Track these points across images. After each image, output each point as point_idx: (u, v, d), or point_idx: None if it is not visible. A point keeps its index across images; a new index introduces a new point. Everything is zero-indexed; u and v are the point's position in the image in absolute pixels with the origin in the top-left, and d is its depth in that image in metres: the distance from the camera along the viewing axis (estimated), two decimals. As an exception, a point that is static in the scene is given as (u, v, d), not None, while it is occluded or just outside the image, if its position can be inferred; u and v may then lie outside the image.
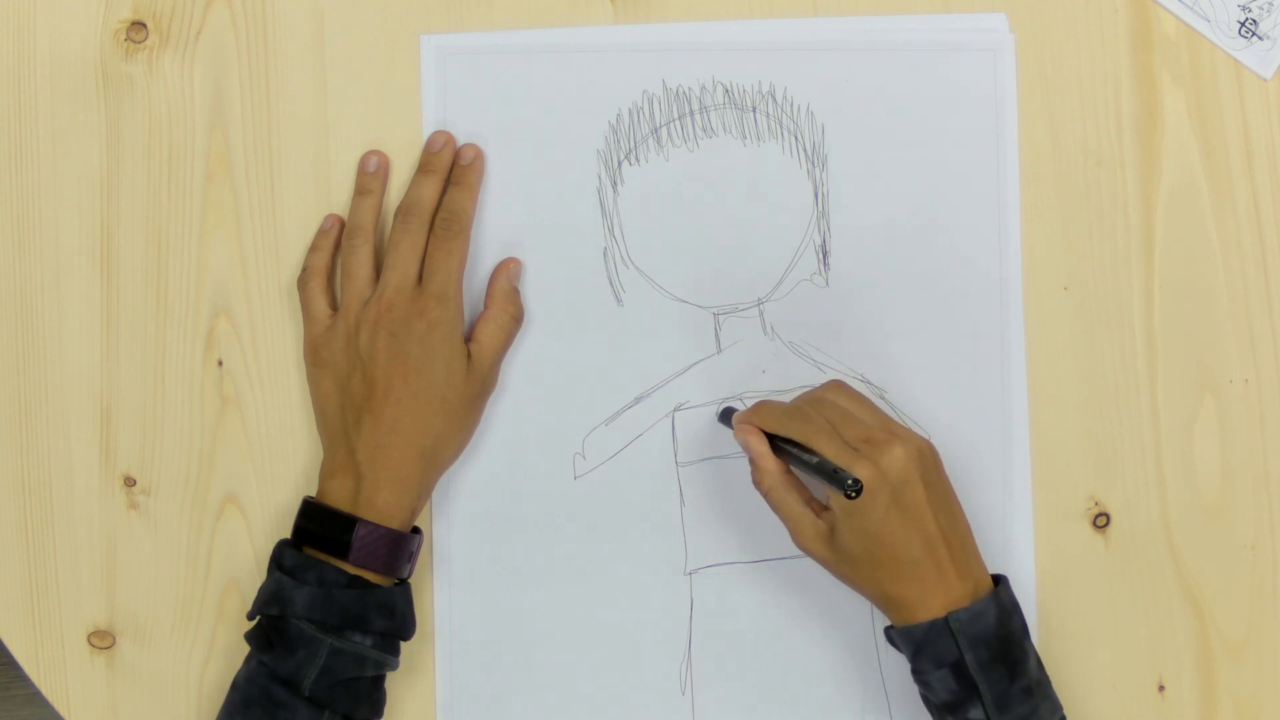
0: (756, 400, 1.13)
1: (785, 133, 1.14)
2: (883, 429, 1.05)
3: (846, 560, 1.04)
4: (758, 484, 1.08)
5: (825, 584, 1.14)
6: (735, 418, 1.09)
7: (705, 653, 1.15)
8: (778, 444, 1.07)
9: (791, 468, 1.07)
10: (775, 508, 1.07)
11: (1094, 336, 1.15)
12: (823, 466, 1.02)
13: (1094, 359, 1.15)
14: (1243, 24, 1.15)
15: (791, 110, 1.14)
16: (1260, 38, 1.14)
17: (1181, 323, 1.14)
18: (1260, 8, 1.14)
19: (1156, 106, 1.15)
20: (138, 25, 1.16)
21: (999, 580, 1.05)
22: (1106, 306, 1.15)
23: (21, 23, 1.16)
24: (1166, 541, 1.14)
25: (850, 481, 1.01)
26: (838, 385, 1.08)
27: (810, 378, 1.14)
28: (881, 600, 1.04)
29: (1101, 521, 1.14)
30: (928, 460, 1.04)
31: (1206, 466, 1.14)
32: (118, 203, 1.16)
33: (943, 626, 1.02)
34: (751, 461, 1.08)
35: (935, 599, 1.03)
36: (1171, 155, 1.15)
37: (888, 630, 1.06)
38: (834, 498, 1.03)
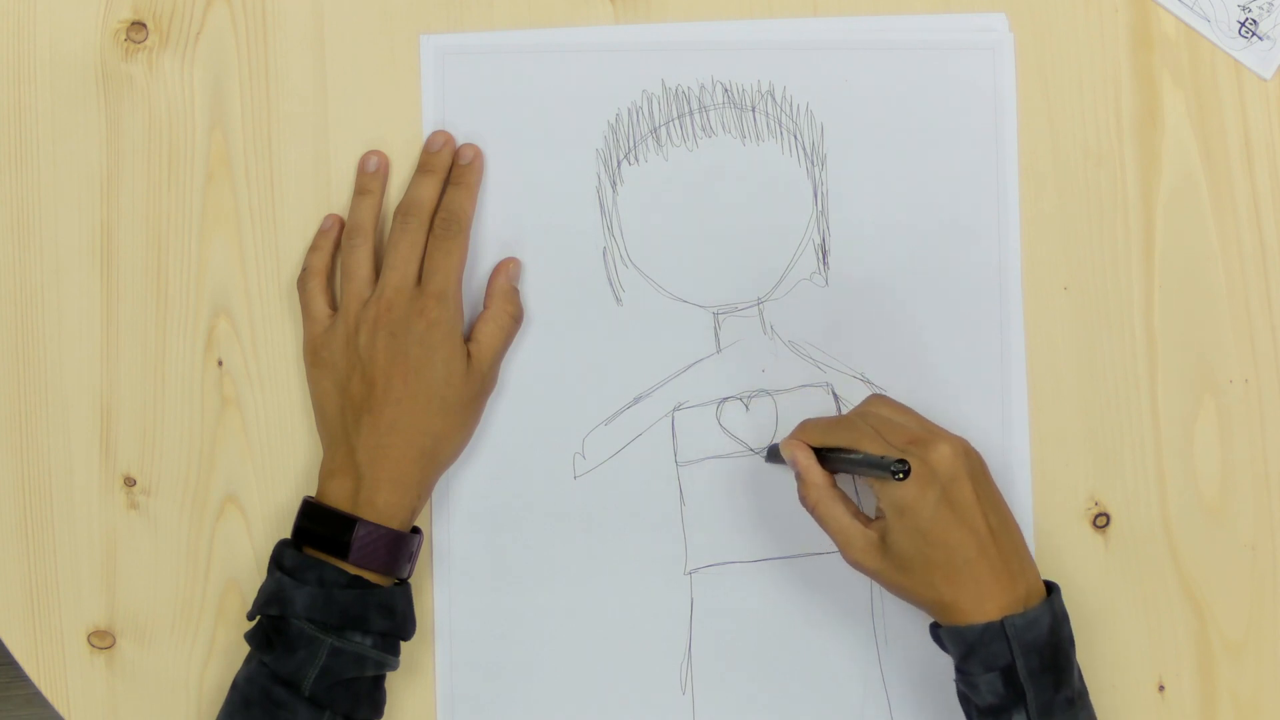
0: (756, 400, 1.13)
1: (784, 132, 1.14)
2: (926, 430, 1.05)
3: (900, 567, 1.04)
4: (804, 499, 1.07)
5: (826, 583, 1.14)
6: (782, 442, 1.09)
7: (706, 652, 1.15)
8: (823, 458, 1.07)
9: (839, 472, 1.07)
10: (823, 522, 1.07)
11: (1094, 336, 1.15)
12: (868, 459, 1.03)
13: (1094, 359, 1.15)
14: (1243, 24, 1.15)
15: (791, 110, 1.15)
16: (1260, 38, 1.14)
17: (1181, 323, 1.14)
18: (1260, 8, 1.14)
19: (1156, 106, 1.15)
20: (138, 25, 1.16)
21: (1051, 587, 1.05)
22: (1106, 306, 1.15)
23: (21, 23, 1.16)
24: (1166, 541, 1.14)
25: (895, 463, 1.01)
26: (878, 398, 1.09)
27: (810, 377, 1.14)
28: (936, 605, 1.04)
29: (1101, 521, 1.14)
30: (974, 459, 1.04)
31: (1206, 466, 1.14)
32: (118, 203, 1.16)
33: (998, 630, 1.01)
34: (798, 476, 1.08)
35: (990, 602, 1.02)
36: (1171, 155, 1.15)
37: (935, 628, 1.06)
38: (883, 496, 1.03)
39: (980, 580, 1.02)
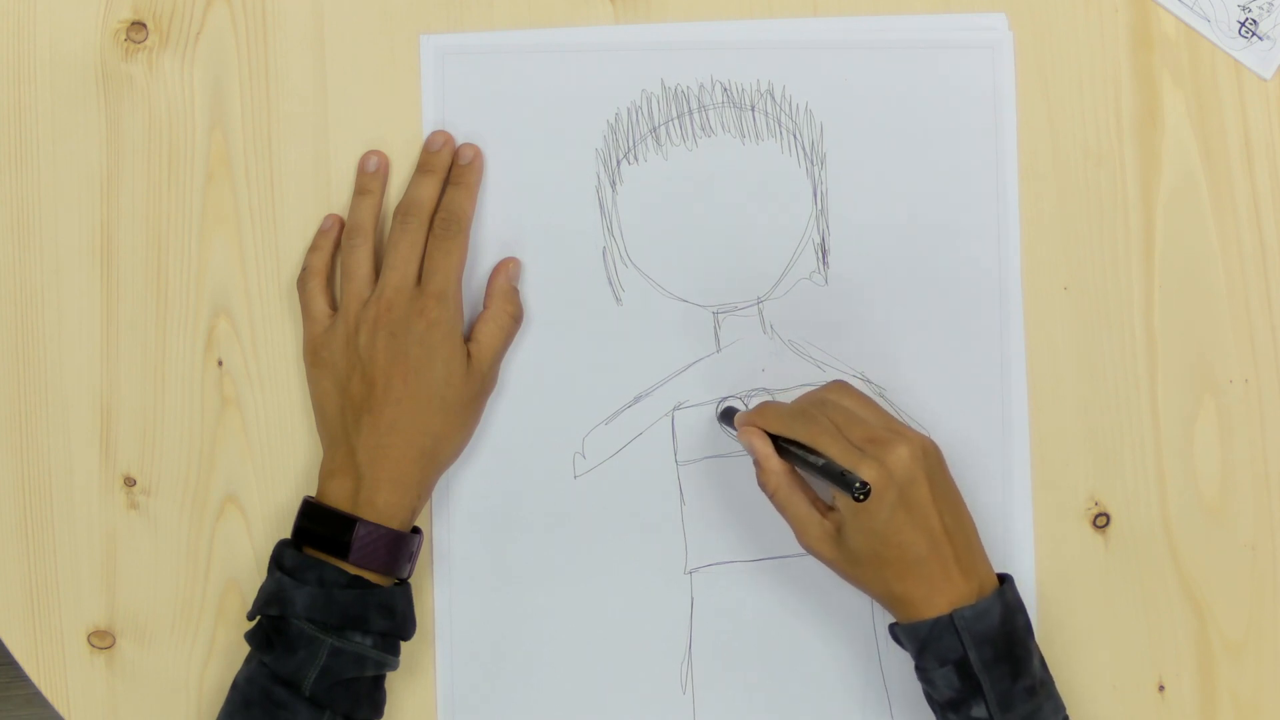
0: (756, 399, 1.13)
1: (784, 131, 1.14)
2: (886, 428, 1.05)
3: (853, 560, 1.04)
4: (763, 485, 1.08)
5: (826, 583, 1.14)
6: (738, 419, 1.09)
7: (706, 652, 1.15)
8: (781, 445, 1.07)
9: (799, 468, 1.07)
10: (781, 509, 1.07)
11: (1094, 336, 1.15)
12: (829, 469, 1.02)
13: (1094, 359, 1.15)
14: (1243, 24, 1.15)
15: (790, 109, 1.15)
16: (1260, 38, 1.14)
17: (1181, 323, 1.14)
18: (1260, 8, 1.14)
19: (1156, 106, 1.15)
20: (138, 25, 1.16)
21: (1004, 579, 1.06)
22: (1106, 306, 1.15)
23: (21, 23, 1.16)
24: (1166, 541, 1.14)
25: (859, 484, 1.01)
26: (840, 385, 1.09)
27: (810, 376, 1.14)
28: (887, 599, 1.05)
29: (1101, 521, 1.14)
30: (932, 458, 1.04)
31: (1206, 466, 1.14)
32: (118, 203, 1.16)
33: (947, 624, 1.02)
34: (756, 463, 1.08)
35: (941, 597, 1.03)
36: (1171, 155, 1.15)
37: (892, 628, 1.06)
38: (840, 499, 1.03)
39: (931, 577, 1.03)
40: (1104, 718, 1.14)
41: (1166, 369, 1.14)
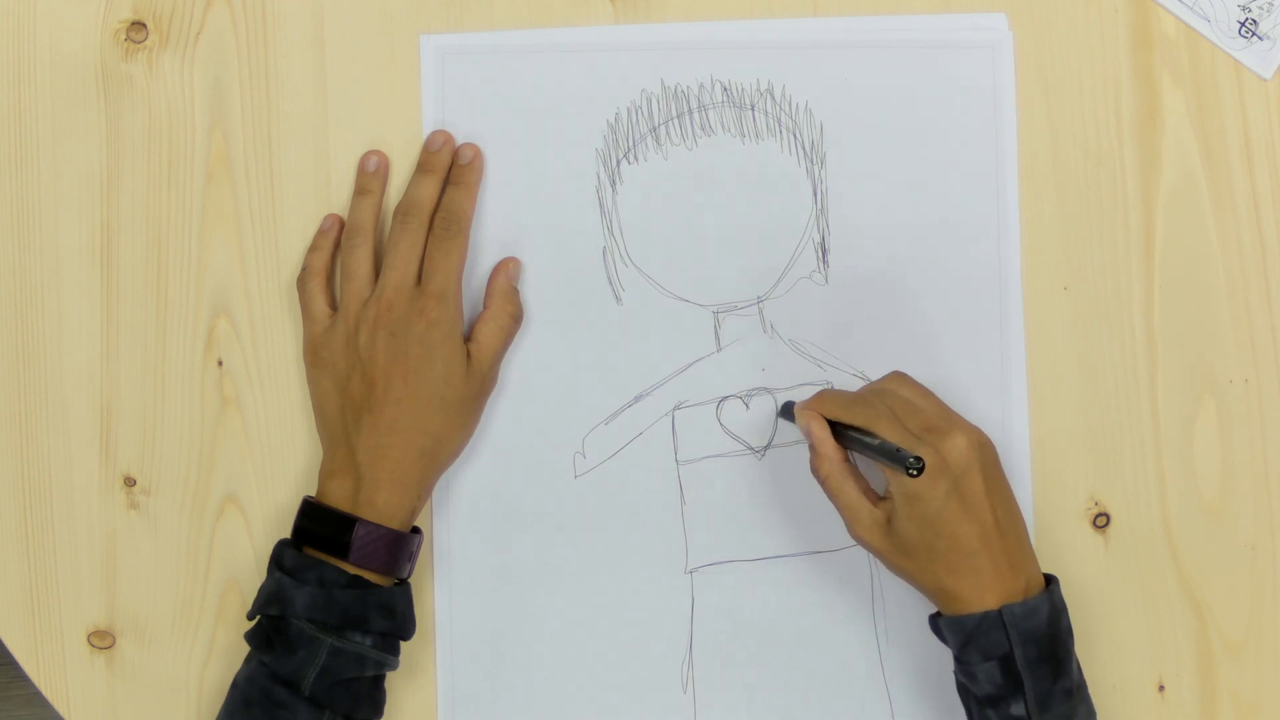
0: (756, 398, 1.14)
1: (784, 131, 1.15)
2: (943, 418, 1.05)
3: (903, 550, 1.04)
4: (816, 471, 1.08)
5: (827, 581, 1.14)
6: (798, 406, 1.09)
7: (707, 651, 1.15)
8: (838, 432, 1.07)
9: (852, 453, 1.07)
10: (832, 496, 1.07)
11: (1094, 336, 1.15)
12: (884, 447, 1.03)
13: (1094, 359, 1.15)
14: (1243, 24, 1.15)
15: (790, 108, 1.15)
16: (1260, 38, 1.14)
17: (1181, 323, 1.14)
18: (1260, 8, 1.14)
19: (1156, 106, 1.15)
20: (138, 25, 1.16)
21: (1050, 580, 1.06)
22: (1106, 306, 1.15)
23: (21, 23, 1.16)
24: (1166, 541, 1.14)
25: (912, 459, 1.00)
26: (900, 377, 1.09)
27: (810, 376, 1.14)
28: (936, 592, 1.04)
29: (1101, 521, 1.14)
30: (988, 452, 1.04)
31: (1206, 466, 1.14)
32: (118, 202, 1.16)
33: (996, 619, 1.02)
34: (811, 448, 1.08)
35: (990, 593, 1.02)
36: (1171, 155, 1.15)
37: (934, 619, 1.06)
38: (894, 482, 1.03)
39: (981, 572, 1.02)
40: (1104, 718, 1.14)
41: (1166, 369, 1.14)
